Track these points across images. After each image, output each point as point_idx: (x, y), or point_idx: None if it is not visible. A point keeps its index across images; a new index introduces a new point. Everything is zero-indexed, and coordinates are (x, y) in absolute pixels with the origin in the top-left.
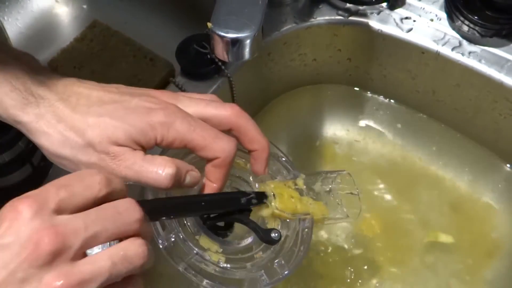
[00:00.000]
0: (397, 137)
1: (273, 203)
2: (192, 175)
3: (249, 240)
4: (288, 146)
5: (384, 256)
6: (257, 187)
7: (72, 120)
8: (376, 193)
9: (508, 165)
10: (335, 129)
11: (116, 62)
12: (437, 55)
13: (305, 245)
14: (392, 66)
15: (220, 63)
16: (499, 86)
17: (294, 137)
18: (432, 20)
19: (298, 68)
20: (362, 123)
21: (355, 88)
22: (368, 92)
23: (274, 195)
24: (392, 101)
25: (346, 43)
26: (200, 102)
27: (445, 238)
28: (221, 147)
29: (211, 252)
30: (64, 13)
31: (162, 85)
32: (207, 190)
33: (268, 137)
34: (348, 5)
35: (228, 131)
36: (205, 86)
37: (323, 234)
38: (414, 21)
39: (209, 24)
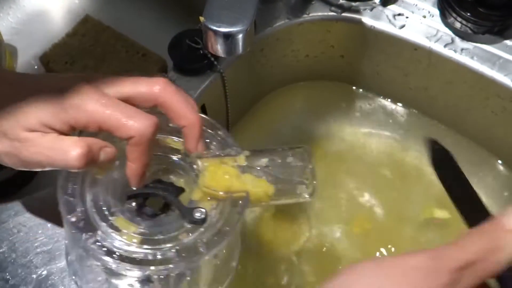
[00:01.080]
0: (389, 133)
1: (200, 181)
2: (106, 151)
3: (176, 220)
4: (280, 142)
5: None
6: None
7: None
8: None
9: (500, 162)
10: (327, 125)
11: (108, 57)
12: (429, 52)
13: (231, 226)
14: (385, 63)
15: (212, 59)
16: (491, 83)
17: (286, 133)
18: (424, 16)
19: (291, 64)
20: (355, 119)
21: (348, 85)
22: (361, 89)
23: (202, 172)
24: (384, 98)
25: (339, 40)
26: (120, 81)
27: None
28: (135, 126)
29: (125, 233)
30: (56, 8)
31: None
32: (127, 170)
33: (260, 133)
34: (341, 1)
35: (155, 108)
36: (197, 81)
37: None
38: (407, 17)
39: (202, 18)
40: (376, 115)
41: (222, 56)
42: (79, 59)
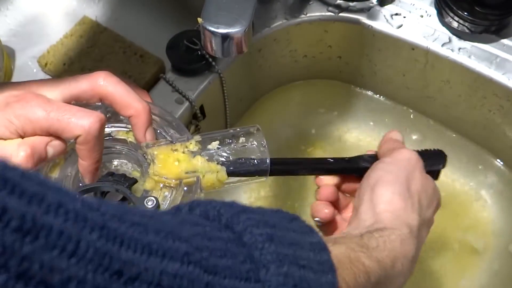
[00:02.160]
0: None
1: (150, 170)
2: (53, 145)
3: None
4: (279, 141)
5: None
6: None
7: None
8: None
9: (498, 160)
10: (326, 125)
11: (106, 58)
12: (427, 51)
13: None
14: (382, 62)
15: (210, 59)
16: (488, 82)
17: (284, 133)
18: (422, 16)
19: (289, 64)
20: (353, 119)
21: (346, 84)
22: (359, 88)
23: (152, 161)
24: (382, 97)
25: (336, 40)
26: (62, 83)
27: None
28: (79, 124)
29: None
30: (54, 10)
31: (152, 82)
32: (79, 168)
33: None
34: (338, 1)
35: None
36: (195, 82)
37: None
38: (404, 17)
39: (200, 20)
40: (374, 115)
41: (220, 57)
42: (77, 60)
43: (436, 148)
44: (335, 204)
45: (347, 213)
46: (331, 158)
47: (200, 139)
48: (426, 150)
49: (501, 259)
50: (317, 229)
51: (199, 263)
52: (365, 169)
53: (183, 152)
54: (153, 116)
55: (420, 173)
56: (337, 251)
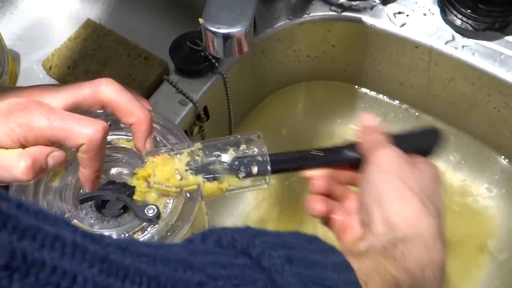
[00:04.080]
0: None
1: (150, 179)
2: (54, 156)
3: (133, 220)
4: (283, 142)
5: None
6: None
7: None
8: None
9: (503, 157)
10: (330, 125)
11: (111, 61)
12: (430, 50)
13: (185, 221)
14: (386, 61)
15: (213, 60)
16: (492, 79)
17: (289, 134)
18: (425, 14)
19: (292, 64)
20: (357, 118)
21: (350, 84)
22: (363, 88)
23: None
24: (386, 96)
25: (340, 39)
26: (64, 90)
27: None
28: (83, 133)
29: None
30: (58, 13)
31: (156, 84)
32: (80, 176)
33: (263, 133)
34: (341, 0)
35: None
36: (199, 83)
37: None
38: (407, 15)
39: (201, 20)
40: (378, 114)
41: (222, 57)
42: (81, 63)
43: (429, 126)
44: (333, 197)
45: (348, 203)
46: (321, 151)
47: (201, 146)
48: (417, 129)
49: (506, 256)
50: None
51: None
52: (356, 160)
53: (183, 161)
54: (154, 124)
55: (409, 168)
56: (363, 265)
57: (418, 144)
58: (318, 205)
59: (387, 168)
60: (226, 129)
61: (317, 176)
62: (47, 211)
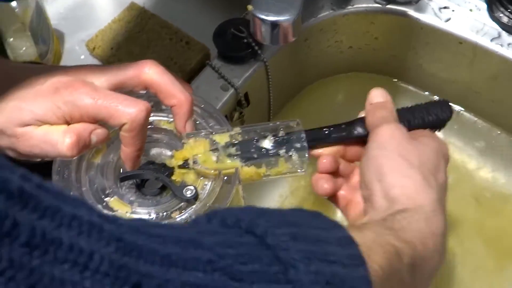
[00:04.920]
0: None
1: (189, 160)
2: (97, 133)
3: (171, 199)
4: None
5: None
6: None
7: None
8: None
9: None
10: None
11: (153, 44)
12: (475, 46)
13: (222, 203)
14: (429, 56)
15: (256, 48)
16: None
17: (326, 124)
18: (471, 10)
19: (334, 55)
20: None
21: (390, 78)
22: (404, 82)
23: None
24: (426, 91)
25: (383, 31)
26: (109, 70)
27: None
28: (126, 112)
29: (119, 213)
30: None
31: (197, 69)
32: (122, 155)
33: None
34: None
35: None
36: (241, 70)
37: None
38: (453, 10)
39: (250, 7)
40: None
41: (269, 44)
42: (124, 45)
43: (440, 98)
44: (338, 174)
45: (353, 179)
46: (323, 128)
47: (240, 131)
48: (427, 102)
49: None
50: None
51: (224, 270)
52: (365, 136)
53: (223, 144)
54: (194, 107)
55: (410, 143)
56: (364, 238)
57: (427, 118)
58: (324, 183)
59: (387, 144)
60: (265, 116)
61: (325, 155)
62: (66, 192)
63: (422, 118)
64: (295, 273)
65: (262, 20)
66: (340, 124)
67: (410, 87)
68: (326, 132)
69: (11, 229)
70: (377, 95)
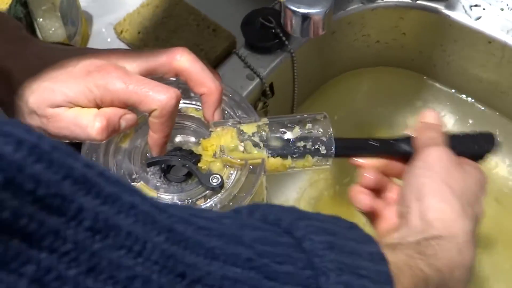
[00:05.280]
0: (454, 127)
1: (216, 149)
2: (126, 118)
3: (196, 187)
4: (343, 126)
5: None
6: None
7: (21, 88)
8: None
9: None
10: (391, 113)
11: (180, 30)
12: (504, 46)
13: (247, 192)
14: (457, 54)
15: (284, 38)
16: None
17: (349, 117)
18: (502, 9)
19: (361, 48)
20: (420, 110)
21: (416, 73)
22: (430, 79)
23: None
24: (453, 90)
25: (411, 27)
26: (141, 55)
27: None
28: (157, 99)
29: None
30: None
31: (222, 56)
32: (149, 140)
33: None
34: None
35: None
36: (267, 60)
37: None
38: (484, 9)
39: None
40: (443, 107)
41: (299, 36)
42: (152, 30)
43: (486, 131)
44: (376, 188)
45: (390, 194)
46: (377, 141)
47: (268, 122)
48: (474, 132)
49: None
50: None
51: (260, 269)
52: (409, 154)
53: (249, 134)
54: (223, 96)
55: (456, 170)
56: (396, 258)
57: (472, 147)
58: (365, 198)
59: (434, 166)
60: (289, 107)
61: (368, 167)
62: (123, 181)
63: (467, 147)
64: (325, 281)
65: (293, 11)
66: (387, 139)
67: (437, 84)
68: (372, 144)
69: (76, 213)
70: (430, 116)
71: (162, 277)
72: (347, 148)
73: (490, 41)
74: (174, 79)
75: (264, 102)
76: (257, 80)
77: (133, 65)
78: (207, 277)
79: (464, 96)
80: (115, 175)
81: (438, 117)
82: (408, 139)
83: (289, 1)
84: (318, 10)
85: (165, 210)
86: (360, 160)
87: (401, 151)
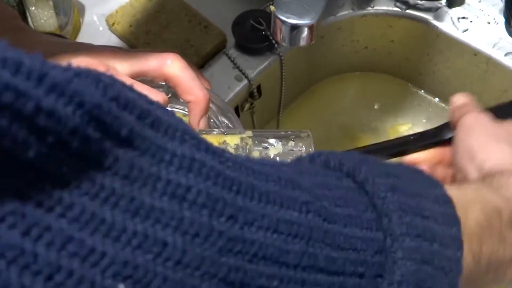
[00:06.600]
0: None
1: None
2: None
3: None
4: (328, 129)
5: None
6: None
7: None
8: None
9: None
10: (375, 118)
11: (171, 25)
12: (488, 59)
13: None
14: (442, 64)
15: (273, 41)
16: None
17: (334, 121)
18: (489, 23)
19: (349, 54)
20: (404, 116)
21: (402, 81)
22: (415, 86)
23: None
24: (436, 99)
25: (399, 35)
26: (132, 57)
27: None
28: None
29: None
30: None
31: (212, 53)
32: None
33: (310, 118)
34: None
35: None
36: (256, 61)
37: None
38: (471, 21)
39: (272, 8)
40: (425, 114)
41: (288, 46)
42: (143, 24)
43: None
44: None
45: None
46: (411, 135)
47: (252, 134)
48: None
49: None
50: None
51: (318, 211)
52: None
53: (234, 144)
54: (210, 104)
55: (497, 126)
56: (462, 195)
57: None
58: None
59: (474, 127)
60: (276, 108)
61: (420, 162)
62: (177, 127)
63: (505, 114)
64: (388, 223)
65: (283, 21)
66: (427, 130)
67: (421, 92)
68: (413, 138)
69: (112, 163)
70: (459, 98)
71: (213, 219)
72: (392, 147)
73: (475, 53)
74: (164, 83)
75: (251, 103)
76: (245, 81)
77: (124, 66)
78: (262, 220)
79: (448, 105)
80: (170, 122)
81: (466, 96)
82: (447, 124)
83: (279, 11)
84: (307, 22)
85: (219, 156)
86: (413, 156)
87: (445, 137)
